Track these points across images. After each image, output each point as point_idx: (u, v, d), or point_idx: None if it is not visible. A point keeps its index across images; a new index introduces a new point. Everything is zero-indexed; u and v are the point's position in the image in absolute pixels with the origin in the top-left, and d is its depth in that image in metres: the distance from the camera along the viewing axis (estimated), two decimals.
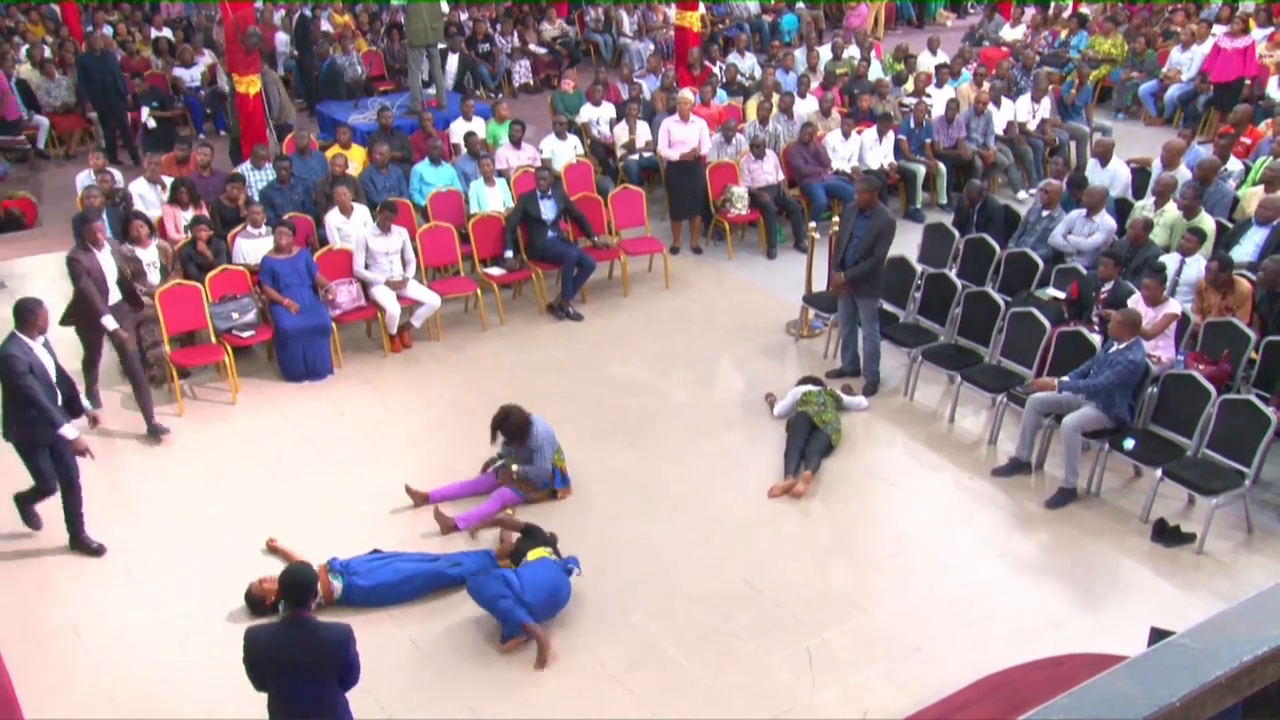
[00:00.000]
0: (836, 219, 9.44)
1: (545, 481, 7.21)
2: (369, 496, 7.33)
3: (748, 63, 16.09)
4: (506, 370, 9.03)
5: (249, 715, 4.93)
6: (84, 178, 10.61)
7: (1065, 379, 7.33)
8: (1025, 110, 13.46)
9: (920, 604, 6.29)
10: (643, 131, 12.62)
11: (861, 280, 8.34)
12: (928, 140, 12.71)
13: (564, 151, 11.77)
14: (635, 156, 12.49)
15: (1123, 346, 7.13)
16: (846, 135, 12.28)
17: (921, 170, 12.46)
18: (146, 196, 10.25)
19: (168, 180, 10.25)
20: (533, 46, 18.91)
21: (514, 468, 7.13)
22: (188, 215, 9.76)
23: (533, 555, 6.22)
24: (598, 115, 13.10)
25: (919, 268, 9.35)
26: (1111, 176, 10.74)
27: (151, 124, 13.20)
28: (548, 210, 10.20)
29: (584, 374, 9.04)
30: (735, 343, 9.57)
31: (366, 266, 9.45)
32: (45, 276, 11.12)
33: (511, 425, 7.09)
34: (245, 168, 10.91)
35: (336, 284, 9.28)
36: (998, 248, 9.40)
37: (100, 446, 7.97)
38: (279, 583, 4.60)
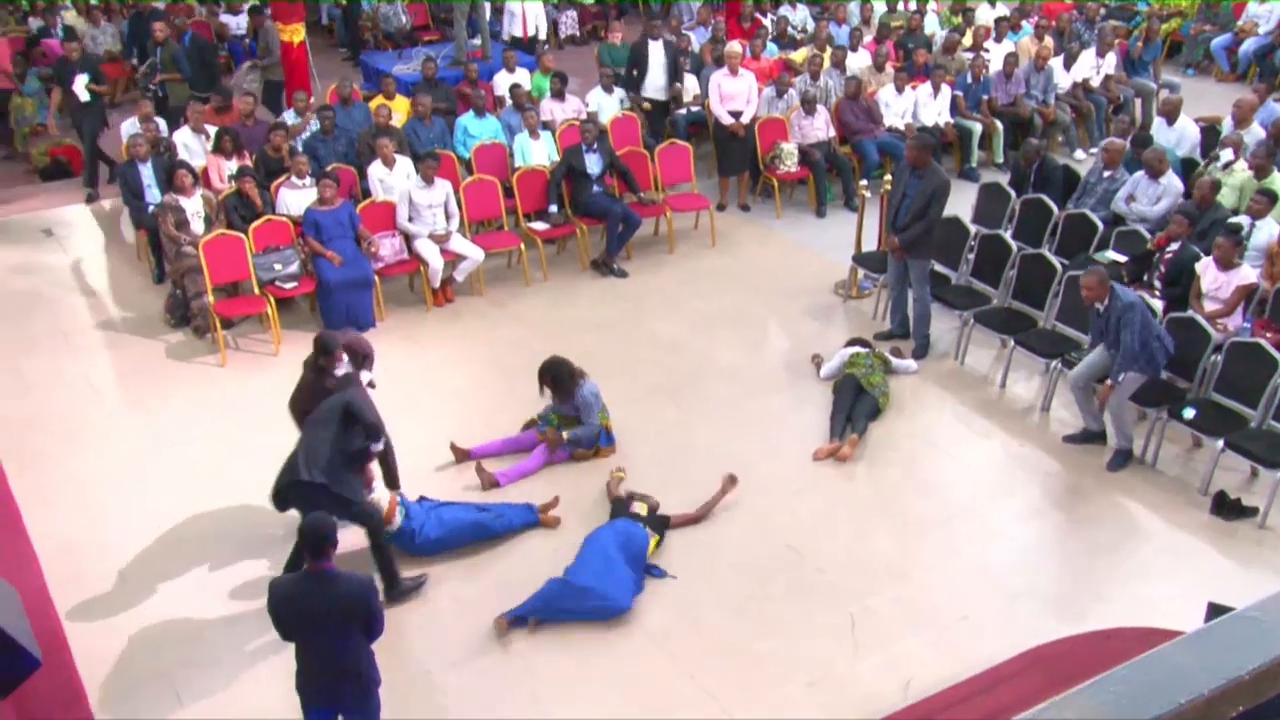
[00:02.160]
0: (889, 177, 9.37)
1: (592, 440, 7.24)
2: (411, 452, 7.31)
3: (799, 15, 15.83)
4: (549, 326, 9.04)
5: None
6: (129, 126, 10.69)
7: (1118, 361, 7.04)
8: (1089, 66, 13.14)
9: (966, 573, 6.25)
10: (690, 85, 12.50)
11: (914, 243, 8.24)
12: (985, 96, 12.48)
13: (610, 105, 11.69)
14: (683, 111, 12.37)
15: (1108, 304, 6.92)
16: (900, 90, 12.09)
17: (978, 128, 12.25)
18: (191, 146, 10.30)
19: (212, 129, 10.32)
20: None
21: (564, 434, 7.15)
22: (232, 165, 9.83)
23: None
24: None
25: (973, 228, 9.23)
26: (1179, 135, 10.49)
27: (85, 97, 11.30)
28: (593, 164, 10.15)
29: (627, 332, 9.03)
30: (782, 303, 9.52)
31: (410, 219, 9.47)
32: (91, 224, 11.28)
33: (561, 375, 7.11)
34: (288, 114, 10.94)
35: (379, 236, 9.31)
36: (1055, 209, 9.24)
37: (151, 393, 8.14)
38: (299, 533, 4.58)
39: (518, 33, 15.42)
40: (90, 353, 8.81)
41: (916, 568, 6.31)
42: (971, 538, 6.57)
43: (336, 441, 5.68)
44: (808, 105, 11.45)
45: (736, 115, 11.21)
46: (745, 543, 6.49)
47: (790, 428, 7.65)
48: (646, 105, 12.02)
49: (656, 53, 12.03)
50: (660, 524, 6.46)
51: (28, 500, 6.83)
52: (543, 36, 16.23)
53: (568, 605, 5.81)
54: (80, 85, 11.24)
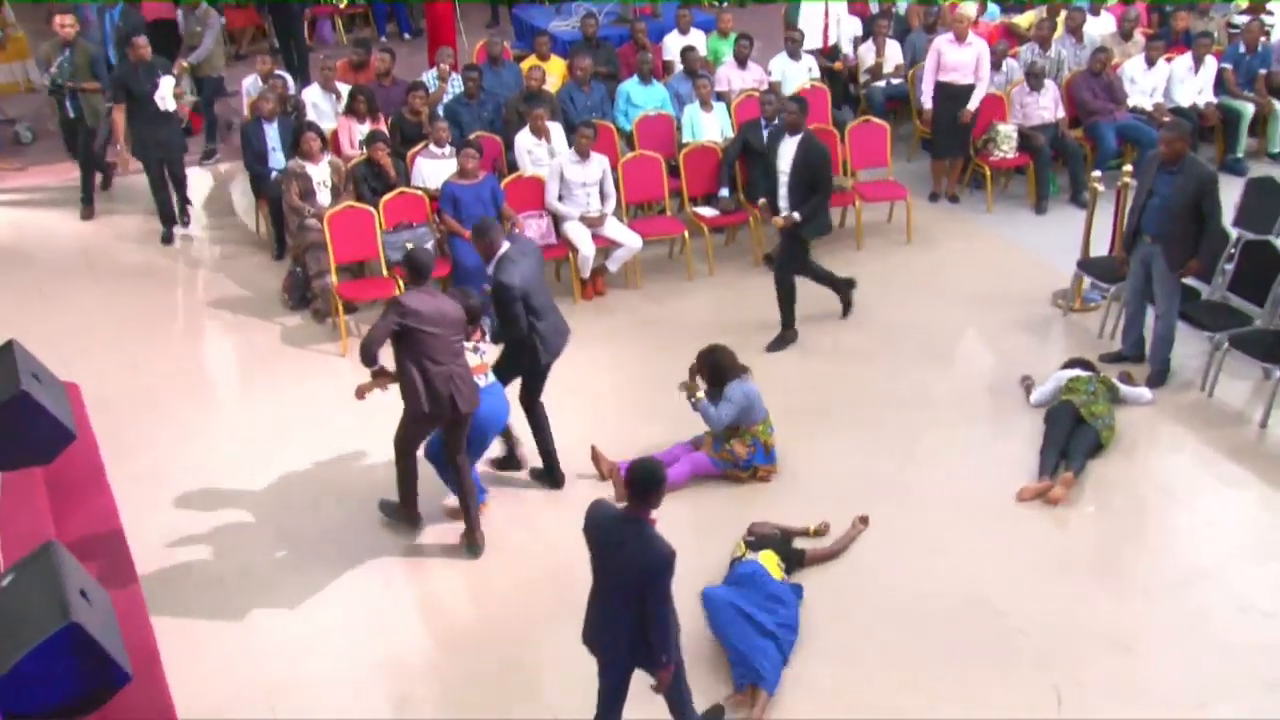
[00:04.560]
0: (1128, 168, 9.05)
1: (720, 423, 7.18)
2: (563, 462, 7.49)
3: None
4: (711, 328, 8.97)
5: None
6: (251, 83, 11.16)
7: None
8: None
9: (1207, 652, 5.97)
10: (893, 53, 12.34)
11: (1184, 256, 7.94)
12: (1262, 71, 11.89)
13: (796, 74, 11.61)
14: (882, 83, 12.21)
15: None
16: (1151, 64, 11.67)
17: (1249, 109, 11.71)
18: (320, 106, 10.72)
19: (344, 89, 10.69)
20: None
21: (699, 394, 7.15)
22: (364, 129, 10.15)
23: (763, 559, 6.28)
24: (837, 34, 12.83)
25: (1234, 233, 8.90)
26: None
27: (170, 106, 10.40)
28: None
29: (800, 339, 8.97)
30: (987, 312, 9.32)
31: (560, 198, 9.60)
32: (209, 188, 11.84)
33: (721, 362, 7.13)
34: (428, 75, 11.25)
35: (524, 216, 9.46)
36: None
37: (263, 383, 8.48)
38: (636, 474, 4.84)
39: None
40: (199, 334, 9.28)
41: (1142, 639, 6.07)
42: (1215, 609, 6.26)
43: None
44: (1034, 79, 11.16)
45: (952, 89, 10.94)
46: (929, 592, 6.36)
47: (990, 461, 7.48)
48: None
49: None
50: (795, 558, 6.47)
51: (126, 493, 7.15)
52: None
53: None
54: (167, 91, 10.36)
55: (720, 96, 11.12)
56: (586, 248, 9.50)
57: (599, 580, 4.94)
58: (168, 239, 10.66)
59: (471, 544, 6.77)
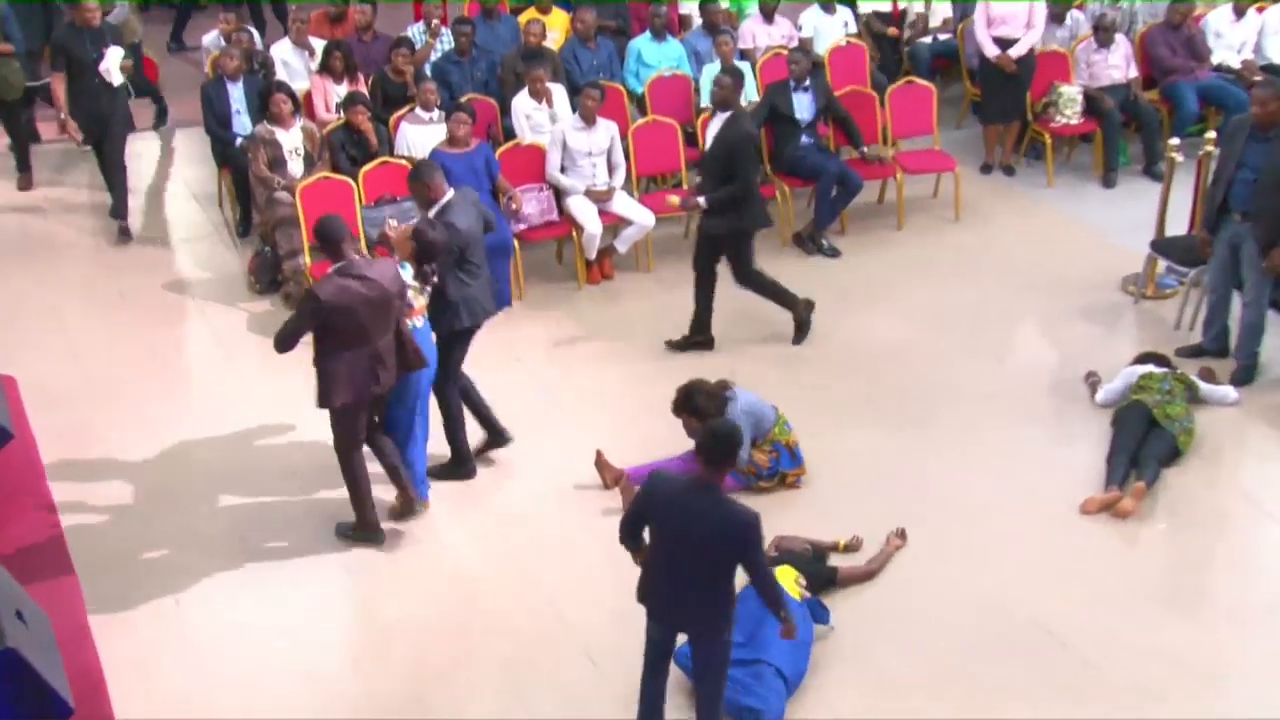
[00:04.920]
0: (1212, 135, 9.01)
1: (773, 462, 7.17)
2: (546, 467, 7.47)
3: None
4: (732, 315, 8.98)
5: None
6: (212, 39, 11.10)
7: None
8: None
9: None
10: (940, 6, 12.27)
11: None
12: None
13: (830, 29, 11.56)
14: (928, 39, 12.13)
15: None
16: (1240, 14, 11.61)
17: None
18: (291, 64, 10.69)
19: (319, 45, 10.64)
20: None
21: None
22: (341, 90, 10.11)
23: (779, 575, 6.14)
24: None
25: None
26: None
27: (117, 79, 9.97)
28: (802, 108, 10.08)
29: (833, 327, 8.95)
30: (1046, 299, 9.31)
31: (563, 170, 9.55)
32: (164, 156, 11.80)
33: (699, 402, 6.89)
34: (414, 29, 11.18)
35: (523, 190, 9.41)
36: None
37: (226, 373, 8.43)
38: (710, 438, 5.03)
39: None
40: (154, 320, 9.20)
41: (1233, 671, 6.02)
42: None
43: None
44: (1102, 34, 11.10)
45: (1007, 45, 10.91)
46: (978, 614, 6.32)
47: (1049, 467, 7.45)
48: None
49: None
50: (823, 577, 6.42)
51: (68, 497, 7.11)
52: None
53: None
54: (114, 63, 9.92)
55: (744, 55, 11.07)
56: (592, 225, 9.44)
57: (668, 554, 5.09)
58: (125, 233, 10.26)
59: (406, 506, 7.01)
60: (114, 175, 10.24)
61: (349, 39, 10.79)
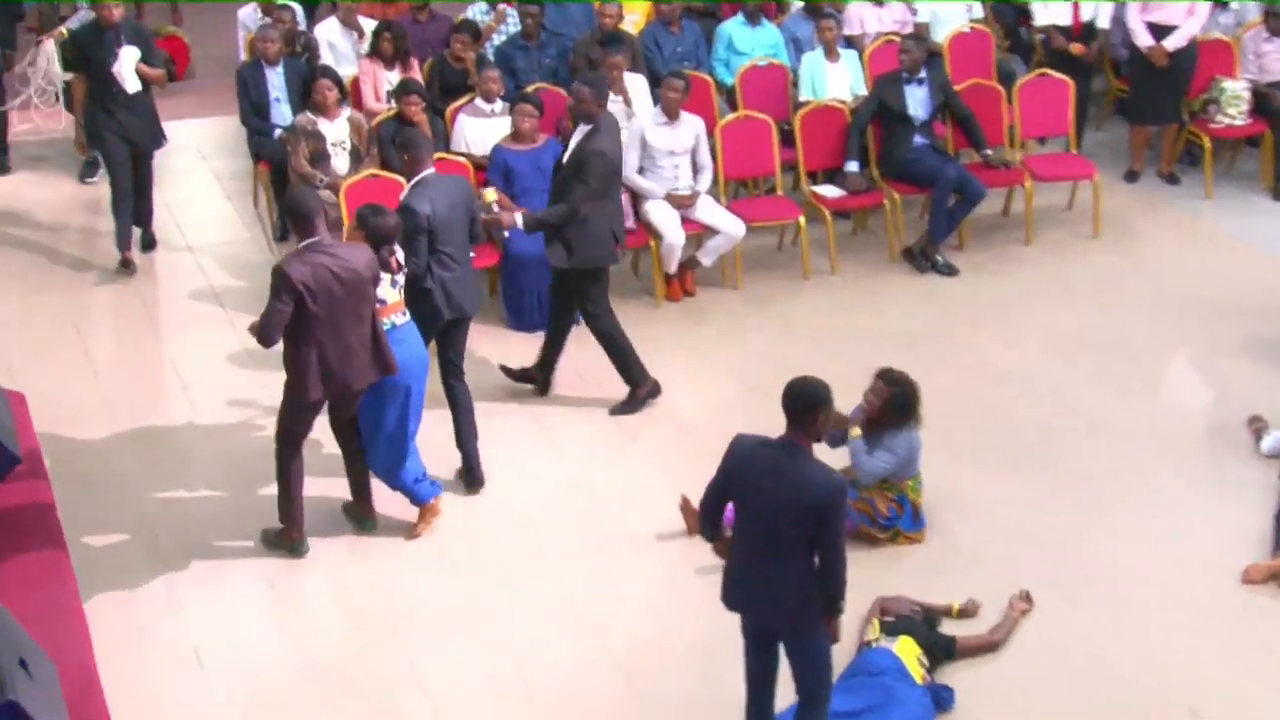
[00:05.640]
0: None
1: (873, 482, 7.12)
2: (618, 514, 7.46)
3: None
4: (830, 340, 8.98)
5: None
6: (249, 14, 11.23)
7: None
8: None
9: None
10: None
11: None
12: None
13: (952, 13, 11.55)
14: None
15: None
16: None
17: None
18: (338, 46, 10.80)
19: (369, 25, 10.74)
20: None
21: (855, 430, 7.10)
22: (393, 77, 10.20)
23: (900, 648, 6.19)
24: None
25: None
26: None
27: (133, 85, 9.67)
28: (916, 103, 10.09)
29: (946, 356, 8.92)
30: (1202, 329, 9.24)
31: (640, 171, 9.58)
32: (194, 149, 11.96)
33: (901, 399, 7.05)
34: (476, 8, 11.27)
35: None
36: None
37: (262, 394, 8.53)
38: (791, 395, 5.25)
39: None
40: (180, 331, 9.35)
41: None
42: None
43: None
44: (1274, 21, 11.03)
45: (1163, 34, 10.85)
46: (1111, 696, 6.21)
47: (1204, 524, 7.35)
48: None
49: None
50: (942, 647, 6.36)
51: (81, 530, 7.21)
52: None
53: None
54: (129, 65, 9.67)
55: (850, 42, 11.09)
56: (673, 235, 9.47)
57: (751, 527, 5.31)
58: (126, 266, 10.01)
59: (365, 516, 7.36)
60: (139, 197, 10.15)
61: (402, 19, 10.88)
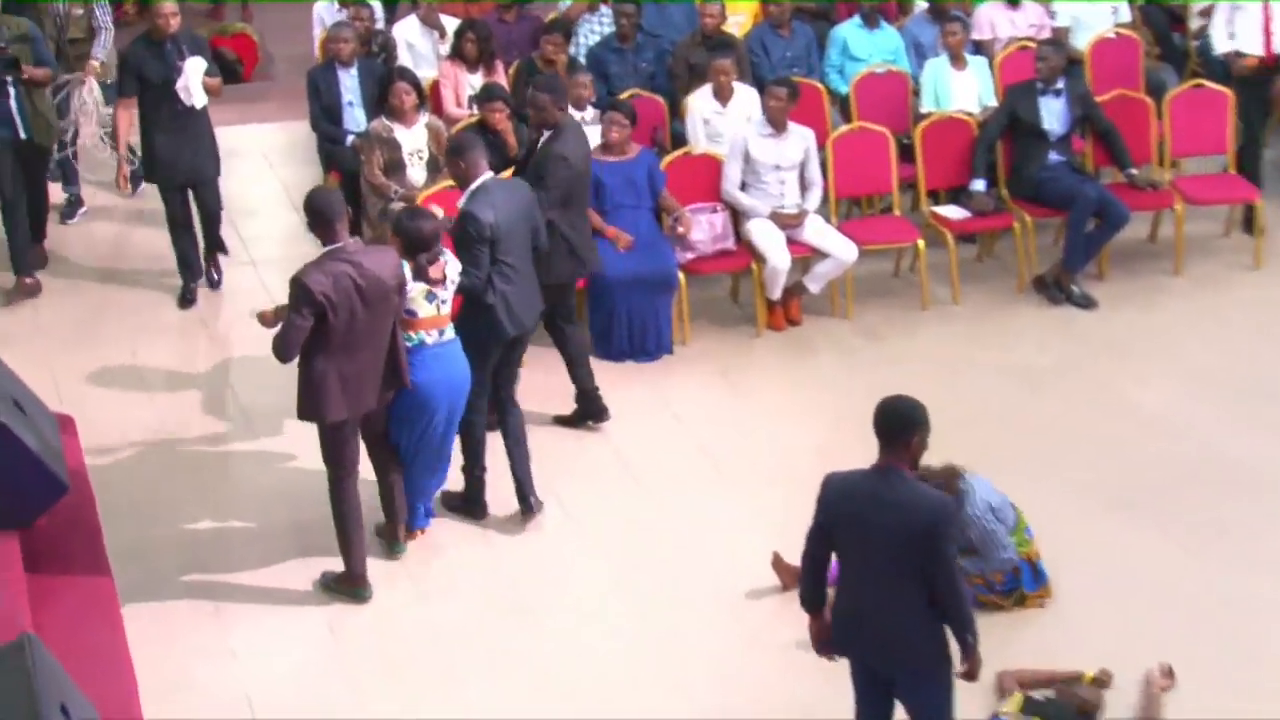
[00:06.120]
0: None
1: (1009, 577, 7.06)
2: (707, 564, 7.44)
3: None
4: (950, 377, 8.93)
5: None
6: (324, 9, 11.34)
7: None
8: None
9: None
10: None
11: None
12: None
13: (1096, 16, 11.47)
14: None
15: None
16: None
17: None
18: (417, 47, 10.91)
19: (451, 24, 10.82)
20: None
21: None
22: (476, 80, 10.26)
23: None
24: None
25: None
26: None
27: (200, 100, 9.56)
28: (1052, 117, 10.04)
29: (1080, 395, 8.90)
30: None
31: (743, 186, 9.60)
32: (260, 155, 12.14)
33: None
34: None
35: (692, 210, 9.48)
36: None
37: None
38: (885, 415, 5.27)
39: None
40: (241, 352, 9.45)
41: None
42: None
43: None
44: None
45: None
46: None
47: None
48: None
49: None
50: None
51: (126, 563, 7.31)
52: None
53: None
54: (195, 79, 9.52)
55: (979, 48, 11.06)
56: (778, 258, 9.45)
57: (858, 565, 5.33)
58: (188, 299, 10.05)
59: (393, 539, 7.47)
60: (206, 226, 10.15)
61: (488, 18, 10.97)
